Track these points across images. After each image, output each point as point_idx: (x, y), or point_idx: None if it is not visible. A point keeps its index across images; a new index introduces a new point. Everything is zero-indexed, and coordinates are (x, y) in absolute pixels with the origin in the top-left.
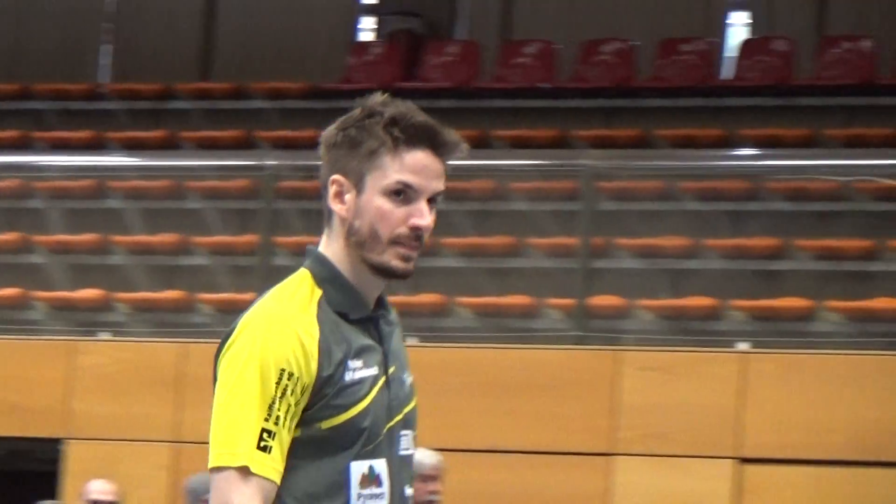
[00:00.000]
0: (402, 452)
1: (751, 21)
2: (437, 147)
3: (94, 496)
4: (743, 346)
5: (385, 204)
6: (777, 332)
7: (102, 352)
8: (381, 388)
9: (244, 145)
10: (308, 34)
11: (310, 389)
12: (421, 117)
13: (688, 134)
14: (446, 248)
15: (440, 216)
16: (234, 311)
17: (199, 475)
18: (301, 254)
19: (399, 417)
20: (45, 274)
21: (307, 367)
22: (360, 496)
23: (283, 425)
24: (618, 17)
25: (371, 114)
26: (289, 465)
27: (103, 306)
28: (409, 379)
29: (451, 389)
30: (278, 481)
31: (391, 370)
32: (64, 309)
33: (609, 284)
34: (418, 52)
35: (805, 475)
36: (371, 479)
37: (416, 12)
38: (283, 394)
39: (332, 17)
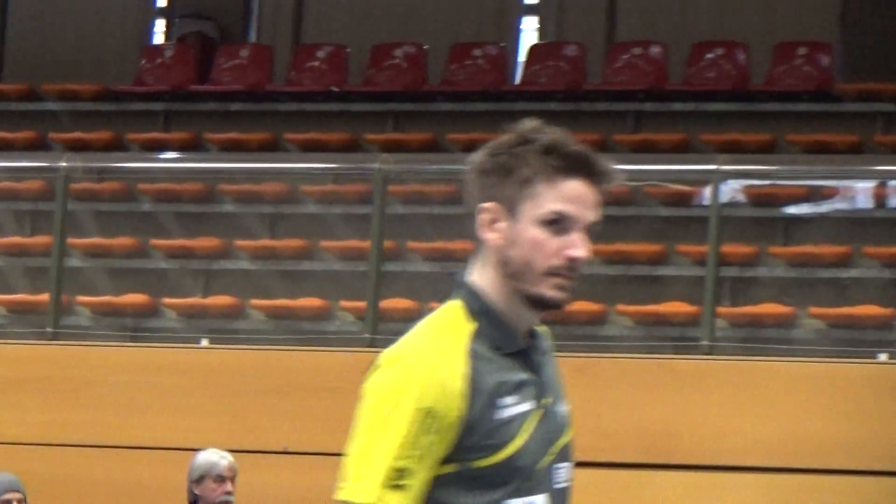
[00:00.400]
0: (560, 486)
1: (540, 27)
2: (593, 176)
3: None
4: None
5: (540, 234)
6: (571, 336)
7: None
8: (537, 423)
9: (37, 147)
10: (101, 36)
11: (457, 427)
12: (576, 145)
13: (478, 138)
14: (238, 250)
15: (233, 219)
16: (28, 313)
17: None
18: (94, 255)
19: (555, 450)
20: None
21: (453, 404)
22: None
23: (422, 464)
24: (410, 21)
25: (524, 140)
26: (441, 500)
27: None
28: (564, 409)
29: (244, 391)
30: None
31: (547, 401)
32: None
33: (400, 288)
34: (210, 55)
35: (586, 477)
36: None
37: (208, 16)
38: (424, 432)
39: (125, 20)
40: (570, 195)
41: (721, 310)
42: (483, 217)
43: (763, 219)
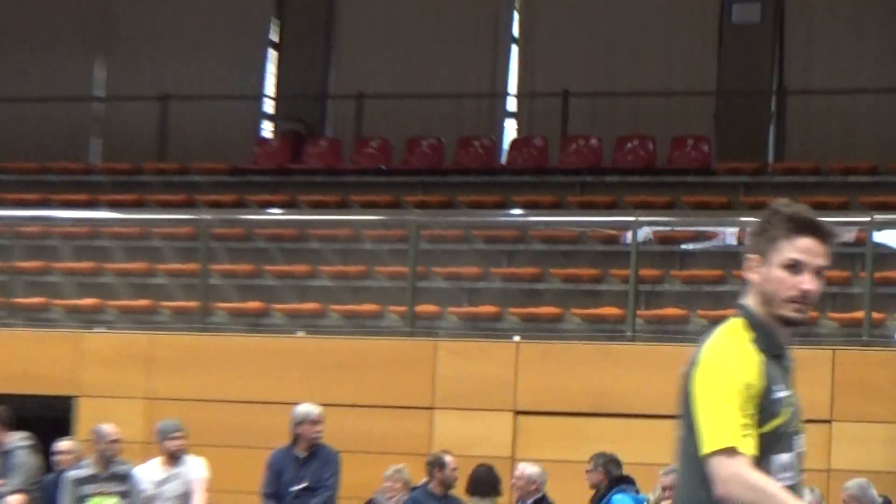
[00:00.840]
0: (799, 450)
1: (518, 126)
2: (820, 234)
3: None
4: (516, 338)
5: (782, 274)
6: (539, 329)
7: None
8: (792, 405)
9: (185, 205)
10: (230, 131)
11: (757, 400)
12: (809, 214)
13: (478, 200)
14: (322, 273)
15: (319, 253)
16: (184, 313)
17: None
18: (227, 276)
19: (798, 425)
20: None
21: (758, 382)
22: (779, 479)
23: (753, 422)
24: (431, 121)
25: (776, 212)
26: None
27: None
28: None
29: (326, 366)
30: (753, 458)
31: (793, 390)
32: None
33: (429, 297)
34: (301, 145)
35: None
36: (786, 467)
37: (298, 118)
38: (749, 399)
39: (244, 121)
40: (803, 248)
41: (640, 312)
42: (748, 264)
43: (666, 252)
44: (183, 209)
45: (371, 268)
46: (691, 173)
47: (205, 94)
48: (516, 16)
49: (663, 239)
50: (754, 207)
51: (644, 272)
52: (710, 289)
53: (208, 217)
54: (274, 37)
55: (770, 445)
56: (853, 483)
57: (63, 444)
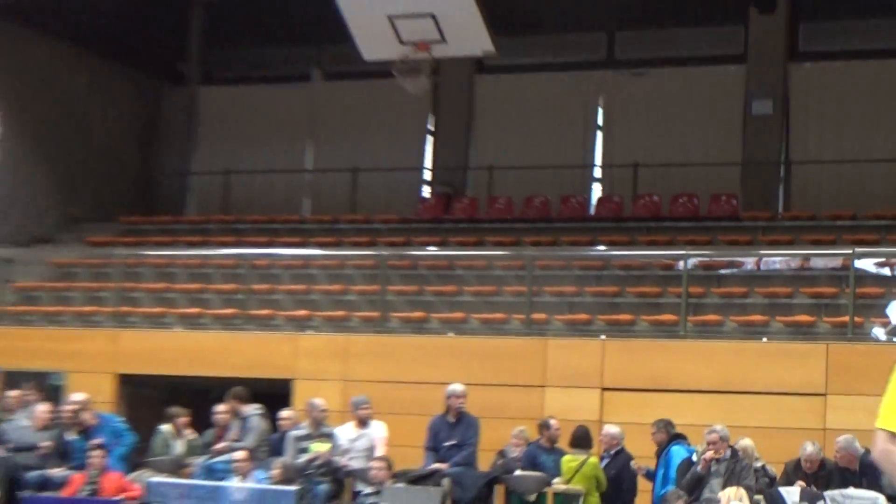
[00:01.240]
0: None
1: (602, 187)
2: None
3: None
4: (602, 337)
5: None
6: (619, 330)
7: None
8: None
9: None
10: (399, 195)
11: None
12: None
13: (575, 240)
14: (467, 292)
15: (465, 277)
16: (376, 322)
17: (359, 396)
18: (401, 294)
19: None
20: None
21: None
22: None
23: None
24: (540, 184)
25: None
26: None
27: None
28: None
29: (465, 356)
30: None
31: None
32: None
33: (541, 308)
34: (449, 202)
35: (625, 396)
36: None
37: (448, 184)
38: None
39: (411, 187)
40: None
41: (689, 318)
42: None
43: (707, 276)
44: (367, 247)
45: (500, 288)
46: (724, 220)
47: (382, 166)
48: (600, 110)
49: (705, 266)
50: (769, 244)
51: (692, 290)
52: (739, 301)
53: (386, 253)
54: (430, 126)
55: None
56: (842, 438)
57: (285, 413)
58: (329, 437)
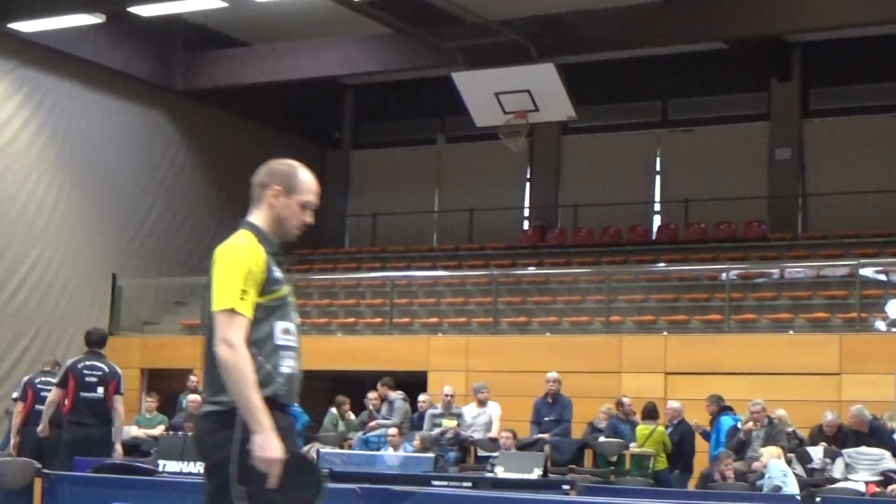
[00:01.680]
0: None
1: (661, 218)
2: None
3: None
4: (664, 333)
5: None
6: (677, 328)
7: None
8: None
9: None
10: (505, 225)
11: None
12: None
13: (642, 258)
14: (558, 304)
15: (557, 289)
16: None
17: (478, 382)
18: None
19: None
20: None
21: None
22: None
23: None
24: (610, 216)
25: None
26: None
27: None
28: None
29: (563, 350)
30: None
31: None
32: None
33: (617, 311)
34: (543, 233)
35: (684, 378)
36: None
37: (543, 218)
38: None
39: (514, 220)
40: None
41: (732, 317)
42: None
43: (745, 284)
44: (482, 269)
45: (584, 297)
46: (756, 241)
47: (492, 207)
48: (658, 159)
49: (742, 277)
50: (792, 258)
51: (733, 295)
52: (770, 303)
53: (496, 272)
54: (528, 174)
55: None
56: (854, 408)
57: (422, 397)
58: (457, 416)
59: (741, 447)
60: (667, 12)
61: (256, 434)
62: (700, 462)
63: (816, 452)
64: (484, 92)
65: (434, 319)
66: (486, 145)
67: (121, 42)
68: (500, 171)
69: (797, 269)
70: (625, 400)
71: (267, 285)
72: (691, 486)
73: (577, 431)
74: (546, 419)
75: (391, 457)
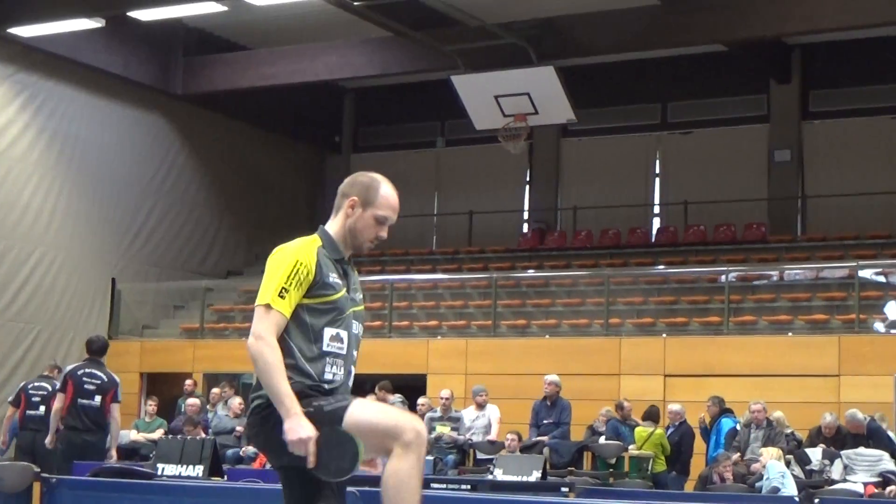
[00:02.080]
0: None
1: (659, 222)
2: None
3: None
4: (664, 335)
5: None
6: (676, 330)
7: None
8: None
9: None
10: (505, 228)
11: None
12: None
13: (640, 261)
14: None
15: (561, 291)
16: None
17: (477, 385)
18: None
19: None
20: None
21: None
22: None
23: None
24: (611, 218)
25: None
26: None
27: None
28: None
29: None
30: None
31: None
32: None
33: (620, 314)
34: (543, 236)
35: (683, 380)
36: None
37: (542, 222)
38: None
39: (516, 226)
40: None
41: (731, 319)
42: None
43: (744, 286)
44: (481, 272)
45: (584, 300)
46: (755, 242)
47: (491, 209)
48: (657, 162)
49: (742, 279)
50: (791, 260)
51: (732, 297)
52: (769, 305)
53: (495, 275)
54: (527, 177)
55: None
56: (848, 412)
57: (421, 400)
58: (455, 419)
59: (740, 449)
60: (666, 15)
61: (285, 420)
62: (697, 464)
63: (815, 454)
64: (483, 95)
65: (433, 322)
66: (486, 148)
67: (120, 46)
68: (499, 174)
69: (796, 271)
70: (624, 403)
71: (317, 288)
72: (688, 487)
73: (577, 434)
74: (545, 422)
75: None
